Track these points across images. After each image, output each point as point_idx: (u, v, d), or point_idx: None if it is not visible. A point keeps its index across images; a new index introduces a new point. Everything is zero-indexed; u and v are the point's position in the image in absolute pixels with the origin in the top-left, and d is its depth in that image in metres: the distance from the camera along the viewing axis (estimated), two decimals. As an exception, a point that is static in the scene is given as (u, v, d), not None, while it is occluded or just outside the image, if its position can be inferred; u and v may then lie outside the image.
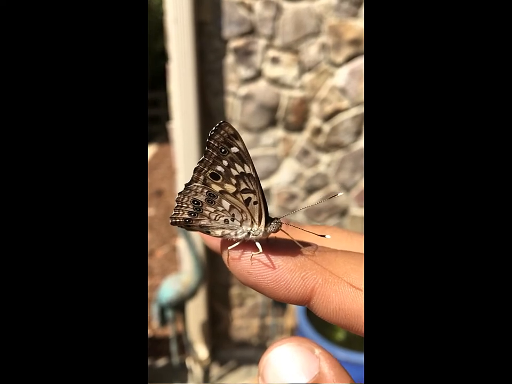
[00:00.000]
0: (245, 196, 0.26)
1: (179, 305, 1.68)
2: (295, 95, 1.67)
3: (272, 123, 1.71)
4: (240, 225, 0.26)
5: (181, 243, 1.80)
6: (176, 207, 0.26)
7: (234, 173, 0.25)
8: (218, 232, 0.27)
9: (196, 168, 0.25)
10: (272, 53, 1.63)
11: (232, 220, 0.26)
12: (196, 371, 1.92)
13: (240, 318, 2.00)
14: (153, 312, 1.71)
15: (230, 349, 2.05)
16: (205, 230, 0.27)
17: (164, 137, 6.00)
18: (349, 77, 1.64)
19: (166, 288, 1.65)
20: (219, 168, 0.25)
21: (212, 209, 0.26)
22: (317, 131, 1.72)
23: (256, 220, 0.26)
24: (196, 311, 1.90)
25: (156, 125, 6.97)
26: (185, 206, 0.26)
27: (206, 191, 0.26)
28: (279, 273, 0.23)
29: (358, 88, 1.64)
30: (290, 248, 0.24)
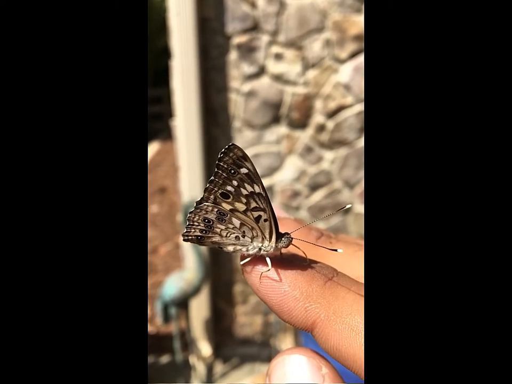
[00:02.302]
0: (255, 214, 0.26)
1: (182, 303, 1.68)
2: (298, 91, 1.66)
3: (276, 120, 1.70)
4: (251, 242, 0.27)
5: (184, 240, 1.80)
6: (187, 225, 0.27)
7: (244, 192, 0.26)
8: (230, 248, 0.27)
9: (206, 188, 0.26)
10: (275, 49, 1.62)
11: (243, 236, 0.27)
12: (199, 368, 1.92)
13: (243, 315, 2.00)
14: (156, 309, 1.72)
15: (233, 346, 2.05)
16: (217, 246, 0.28)
17: (166, 134, 6.01)
18: (353, 73, 1.63)
19: (169, 286, 1.66)
20: (229, 187, 0.26)
21: (223, 227, 0.27)
22: (321, 128, 1.71)
23: (267, 236, 0.26)
24: (199, 308, 1.90)
25: (159, 122, 6.98)
26: (197, 224, 0.27)
27: (216, 210, 0.26)
28: (283, 299, 0.23)
29: (362, 85, 1.63)
30: (303, 269, 0.24)
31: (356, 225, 1.85)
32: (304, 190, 1.80)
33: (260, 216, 0.26)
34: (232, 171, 0.25)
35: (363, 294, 0.22)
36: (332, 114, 1.69)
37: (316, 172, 1.77)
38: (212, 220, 0.27)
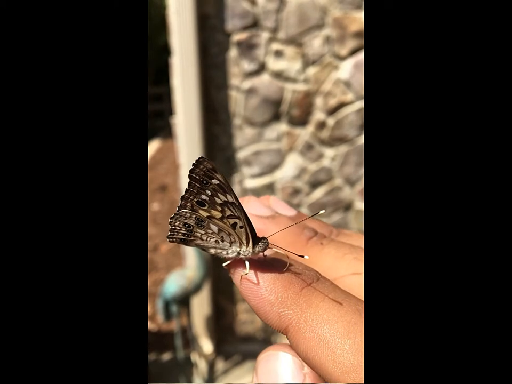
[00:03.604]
0: (231, 221, 0.28)
1: (184, 300, 1.68)
2: (299, 88, 1.66)
3: (276, 117, 1.70)
4: (230, 246, 0.28)
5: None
6: (170, 229, 0.29)
7: (218, 201, 0.27)
8: (212, 251, 0.29)
9: (182, 197, 0.28)
10: (275, 46, 1.62)
11: (222, 241, 0.28)
12: (201, 365, 1.93)
13: (244, 313, 2.01)
14: (158, 306, 1.72)
15: (234, 343, 2.05)
16: (201, 248, 0.29)
17: (167, 132, 6.02)
18: (353, 70, 1.63)
19: (171, 283, 1.66)
20: (203, 197, 0.27)
21: (202, 232, 0.28)
22: (321, 125, 1.71)
23: (244, 241, 0.27)
24: (201, 306, 1.91)
25: (159, 119, 6.98)
26: (178, 228, 0.29)
27: (194, 216, 0.28)
28: (260, 302, 0.23)
29: (363, 81, 1.62)
30: (283, 274, 0.24)
31: (357, 222, 1.85)
32: (305, 187, 1.80)
33: (235, 223, 0.28)
34: (205, 182, 0.27)
35: (340, 301, 0.22)
36: (332, 111, 1.69)
37: (316, 169, 1.77)
38: (192, 225, 0.28)
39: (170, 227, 0.29)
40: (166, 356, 1.99)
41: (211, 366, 1.96)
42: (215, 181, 0.27)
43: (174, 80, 1.62)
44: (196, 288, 1.67)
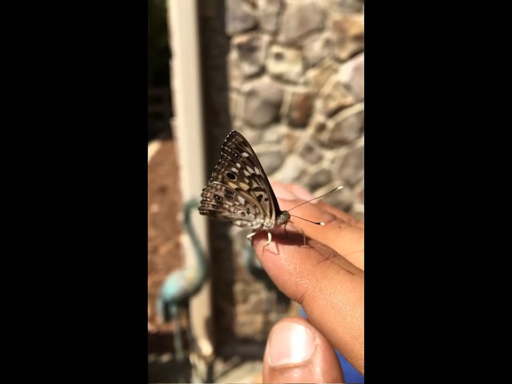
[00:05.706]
0: (257, 193, 0.29)
1: (183, 301, 1.68)
2: (299, 91, 1.67)
3: (276, 119, 1.70)
4: (255, 218, 0.30)
5: (185, 239, 1.81)
6: (201, 200, 0.31)
7: (247, 173, 0.29)
8: (238, 223, 0.31)
9: (215, 169, 0.29)
10: (276, 48, 1.62)
11: (248, 213, 0.30)
12: (200, 367, 1.93)
13: (244, 314, 2.01)
14: (157, 308, 1.72)
15: (233, 345, 2.05)
16: (228, 220, 0.31)
17: (167, 133, 6.02)
18: (353, 73, 1.64)
19: (170, 284, 1.66)
20: (233, 169, 0.29)
21: (231, 203, 0.30)
22: (321, 127, 1.71)
23: (268, 213, 0.29)
24: (200, 307, 1.91)
25: (160, 121, 6.98)
26: (209, 200, 0.30)
27: (224, 188, 0.30)
28: (279, 271, 0.25)
29: (362, 84, 1.63)
30: (302, 247, 0.26)
31: (356, 225, 1.85)
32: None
33: (261, 196, 0.29)
34: (235, 155, 0.28)
35: (347, 277, 0.23)
36: (332, 113, 1.69)
37: (316, 171, 1.78)
38: (221, 197, 0.30)
39: (202, 198, 0.30)
40: (165, 357, 1.99)
41: (210, 367, 1.96)
42: (245, 154, 0.28)
43: (175, 82, 1.62)
44: (196, 290, 1.66)
